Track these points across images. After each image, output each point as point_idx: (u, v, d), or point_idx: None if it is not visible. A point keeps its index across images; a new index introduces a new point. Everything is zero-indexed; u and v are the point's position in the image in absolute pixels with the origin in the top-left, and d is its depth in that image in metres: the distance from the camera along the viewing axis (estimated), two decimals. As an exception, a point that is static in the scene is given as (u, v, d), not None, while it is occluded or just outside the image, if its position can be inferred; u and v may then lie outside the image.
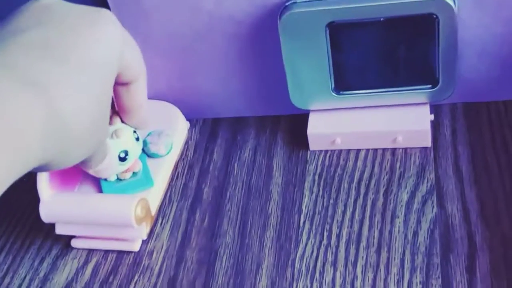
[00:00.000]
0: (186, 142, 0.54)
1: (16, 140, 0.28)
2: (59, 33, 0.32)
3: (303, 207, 0.47)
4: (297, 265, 0.43)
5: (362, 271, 0.42)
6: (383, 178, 0.48)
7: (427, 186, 0.47)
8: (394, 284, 0.41)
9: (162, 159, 0.49)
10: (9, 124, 0.27)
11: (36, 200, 0.45)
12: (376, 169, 0.49)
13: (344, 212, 0.46)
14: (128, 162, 0.43)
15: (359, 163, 0.49)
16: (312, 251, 0.44)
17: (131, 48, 0.37)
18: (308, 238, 0.45)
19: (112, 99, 0.38)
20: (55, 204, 0.45)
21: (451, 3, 0.44)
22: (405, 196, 0.46)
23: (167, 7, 0.49)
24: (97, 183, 0.47)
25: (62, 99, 0.31)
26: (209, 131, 0.55)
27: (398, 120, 0.49)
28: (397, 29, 0.47)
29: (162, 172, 0.49)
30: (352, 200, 0.47)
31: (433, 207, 0.45)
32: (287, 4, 0.47)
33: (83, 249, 0.47)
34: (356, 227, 0.45)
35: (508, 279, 0.40)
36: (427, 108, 0.50)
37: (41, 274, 0.46)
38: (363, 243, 0.44)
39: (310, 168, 0.50)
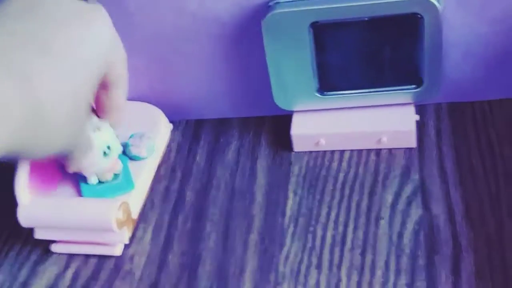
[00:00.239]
0: (169, 144, 0.53)
1: None
2: (47, 24, 0.33)
3: (287, 209, 0.46)
4: (281, 268, 0.43)
5: (347, 274, 0.42)
6: (368, 179, 0.47)
7: (411, 187, 0.46)
8: (380, 287, 0.41)
9: (143, 162, 0.48)
10: None
11: (14, 204, 0.44)
12: (361, 170, 0.48)
13: (328, 214, 0.46)
14: (110, 157, 0.43)
15: (344, 164, 0.49)
16: (296, 254, 0.43)
17: (118, 49, 0.37)
18: (292, 241, 0.44)
19: None
20: (33, 208, 0.44)
21: (436, 2, 0.44)
22: (389, 197, 0.46)
23: (150, 8, 0.49)
24: (77, 186, 0.46)
25: (44, 90, 0.31)
26: (192, 132, 0.54)
27: (382, 120, 0.49)
28: (381, 29, 0.46)
29: (143, 175, 0.48)
30: (337, 202, 0.46)
31: (417, 208, 0.45)
32: (270, 4, 0.46)
33: (63, 254, 0.46)
34: (340, 229, 0.44)
35: (493, 280, 0.40)
36: (412, 109, 0.49)
37: (20, 280, 0.45)
38: (348, 245, 0.43)
39: (294, 170, 0.49)
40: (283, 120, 0.51)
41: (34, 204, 0.44)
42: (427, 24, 0.45)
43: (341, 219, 0.45)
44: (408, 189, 0.46)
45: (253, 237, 0.45)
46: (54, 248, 0.46)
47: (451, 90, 0.51)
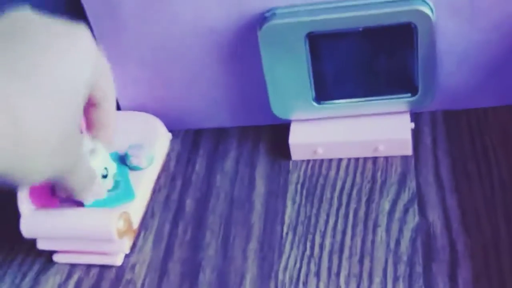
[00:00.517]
0: (168, 154, 0.54)
1: None
2: (30, 48, 0.32)
3: (286, 218, 0.47)
4: (280, 276, 0.43)
5: (345, 281, 0.42)
6: (365, 187, 0.48)
7: (408, 194, 0.47)
8: (377, 294, 0.41)
9: (143, 172, 0.49)
10: None
11: (17, 215, 0.45)
12: (358, 178, 0.49)
13: (326, 222, 0.46)
14: (108, 178, 0.43)
15: (341, 172, 0.49)
16: (295, 262, 0.44)
17: (102, 67, 0.37)
18: (291, 249, 0.45)
19: None
20: (35, 219, 0.45)
21: (429, 12, 0.45)
22: (386, 205, 0.46)
23: (146, 17, 0.49)
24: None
25: (28, 118, 0.30)
26: (191, 142, 0.55)
27: (379, 129, 0.50)
28: (376, 39, 0.47)
29: (143, 185, 0.48)
30: (335, 210, 0.47)
31: (414, 215, 0.45)
32: (266, 15, 0.47)
33: (66, 264, 0.47)
34: (338, 237, 0.45)
35: (490, 286, 0.40)
36: (407, 117, 0.50)
37: (23, 290, 0.46)
38: (346, 253, 0.44)
39: (292, 178, 0.50)
40: (281, 129, 0.52)
41: (36, 215, 0.45)
42: (420, 34, 0.45)
43: (339, 227, 0.46)
44: (405, 197, 0.47)
45: (253, 245, 0.46)
46: (56, 258, 0.47)
47: (446, 98, 0.51)
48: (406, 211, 0.46)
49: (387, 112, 0.50)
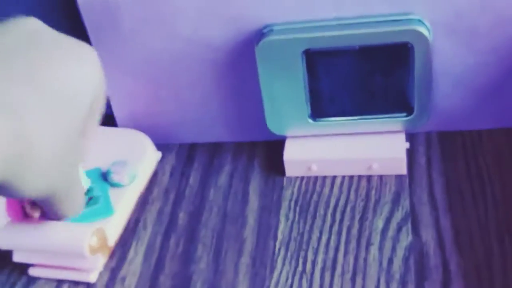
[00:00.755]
0: (163, 167, 0.54)
1: None
2: (41, 62, 0.32)
3: (279, 233, 0.47)
4: (271, 291, 0.43)
5: (336, 298, 0.42)
6: (359, 205, 0.48)
7: (402, 213, 0.47)
8: (369, 312, 0.41)
9: (124, 189, 0.48)
10: None
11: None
12: (352, 196, 0.49)
13: (319, 239, 0.46)
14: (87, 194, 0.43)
15: (335, 189, 0.49)
16: (287, 278, 0.44)
17: (103, 84, 0.37)
18: (283, 265, 0.45)
19: None
20: (11, 230, 0.44)
21: (426, 33, 0.45)
22: (380, 223, 0.46)
23: (145, 32, 0.50)
24: None
25: (34, 127, 0.30)
26: (186, 156, 0.55)
27: (374, 147, 0.50)
28: (373, 58, 0.47)
29: (123, 202, 0.47)
30: (328, 227, 0.47)
31: (408, 234, 0.45)
32: (264, 31, 0.47)
33: (46, 278, 0.46)
34: (331, 254, 0.45)
35: (481, 307, 0.40)
36: (402, 136, 0.50)
37: (11, 300, 0.45)
38: (338, 270, 0.44)
39: (286, 194, 0.50)
40: (276, 145, 0.52)
41: (11, 227, 0.44)
42: (417, 54, 0.46)
43: (332, 244, 0.45)
44: (398, 215, 0.47)
45: (244, 260, 0.45)
46: (32, 271, 0.46)
47: (441, 119, 0.52)
48: (399, 229, 0.46)
49: (382, 131, 0.50)
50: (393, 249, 0.44)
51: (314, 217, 0.48)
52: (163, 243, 0.47)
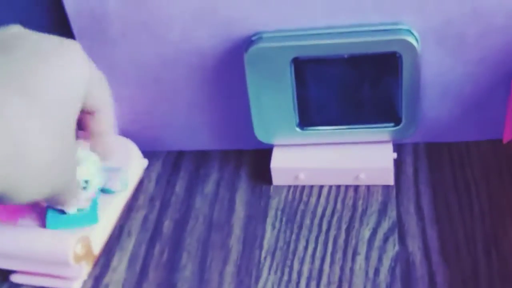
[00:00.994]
0: (149, 175, 0.53)
1: None
2: (25, 64, 0.32)
3: (265, 242, 0.46)
4: (256, 301, 0.43)
5: (322, 308, 0.42)
6: (345, 214, 0.48)
7: (388, 223, 0.46)
8: (354, 322, 0.40)
9: (111, 197, 0.47)
10: None
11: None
12: (339, 206, 0.48)
13: (305, 248, 0.46)
14: (89, 190, 0.42)
15: (322, 199, 0.49)
16: (272, 287, 0.43)
17: (96, 81, 0.37)
18: (268, 274, 0.44)
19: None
20: None
21: (414, 42, 0.45)
22: (366, 233, 0.46)
23: (133, 37, 0.49)
24: (42, 215, 0.44)
25: (24, 132, 0.30)
26: (172, 163, 0.54)
27: (361, 157, 0.50)
28: (361, 67, 0.47)
29: (110, 210, 0.47)
30: (314, 236, 0.46)
31: (394, 244, 0.45)
32: (253, 38, 0.47)
33: (28, 285, 0.45)
34: (317, 263, 0.44)
35: (467, 318, 0.40)
36: (390, 147, 0.50)
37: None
38: (324, 280, 0.43)
39: (273, 203, 0.49)
40: (263, 154, 0.52)
41: None
42: (405, 63, 0.46)
43: (318, 253, 0.45)
44: (385, 226, 0.46)
45: (230, 269, 0.45)
46: (13, 278, 0.45)
47: (429, 130, 0.52)
48: (386, 239, 0.45)
49: (370, 141, 0.50)
50: (380, 259, 0.44)
51: (300, 227, 0.47)
52: (148, 251, 0.47)
